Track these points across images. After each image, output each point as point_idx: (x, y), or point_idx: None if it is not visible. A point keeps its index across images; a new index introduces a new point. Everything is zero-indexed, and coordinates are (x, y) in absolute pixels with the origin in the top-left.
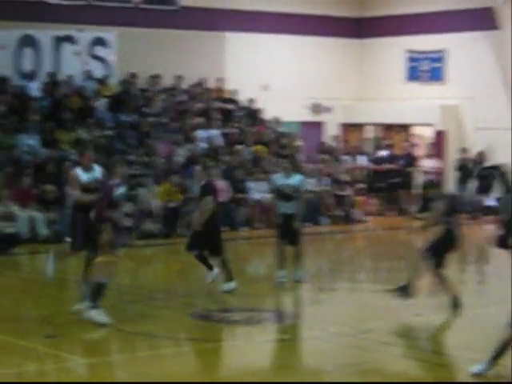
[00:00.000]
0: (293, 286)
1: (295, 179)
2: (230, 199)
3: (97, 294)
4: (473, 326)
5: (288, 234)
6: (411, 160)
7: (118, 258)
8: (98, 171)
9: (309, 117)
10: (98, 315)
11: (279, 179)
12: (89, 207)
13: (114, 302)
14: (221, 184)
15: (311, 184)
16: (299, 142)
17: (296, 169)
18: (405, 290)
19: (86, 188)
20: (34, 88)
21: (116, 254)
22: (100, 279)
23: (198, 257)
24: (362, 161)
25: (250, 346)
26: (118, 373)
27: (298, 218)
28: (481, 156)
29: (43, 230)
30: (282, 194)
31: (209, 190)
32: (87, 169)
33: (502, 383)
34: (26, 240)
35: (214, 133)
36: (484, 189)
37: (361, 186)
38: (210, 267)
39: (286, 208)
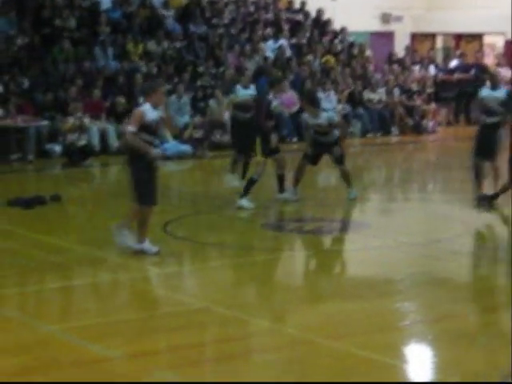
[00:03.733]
0: (359, 197)
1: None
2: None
3: (249, 186)
4: None
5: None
6: (482, 69)
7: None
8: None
9: (378, 27)
10: (246, 202)
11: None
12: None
13: (188, 212)
14: (290, 95)
15: (381, 94)
16: (368, 53)
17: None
18: (485, 200)
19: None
20: (105, 1)
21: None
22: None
23: None
24: (433, 71)
25: (321, 256)
26: (191, 282)
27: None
28: None
29: (114, 142)
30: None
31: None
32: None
33: (501, 383)
34: (98, 152)
35: (283, 43)
36: None
37: (431, 96)
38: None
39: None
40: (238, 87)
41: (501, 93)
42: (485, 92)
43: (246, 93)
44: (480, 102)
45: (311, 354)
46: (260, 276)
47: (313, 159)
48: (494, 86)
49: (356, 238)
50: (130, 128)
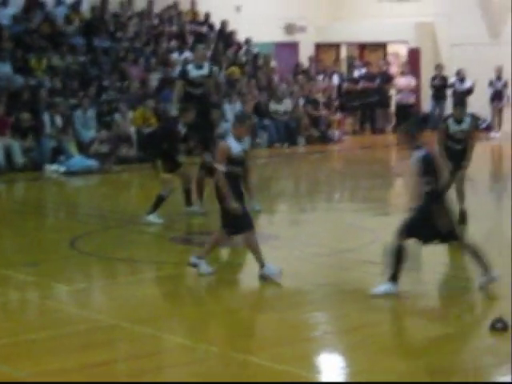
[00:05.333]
0: (266, 209)
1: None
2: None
3: (158, 203)
4: None
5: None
6: (387, 78)
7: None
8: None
9: (283, 37)
10: (153, 218)
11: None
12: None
13: (95, 227)
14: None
15: (287, 105)
16: (273, 63)
17: None
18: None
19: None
20: (6, 16)
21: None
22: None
23: None
24: (337, 80)
25: (229, 269)
26: (100, 298)
27: None
28: (459, 73)
29: (19, 159)
30: None
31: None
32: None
33: (500, 383)
34: (3, 169)
35: (188, 56)
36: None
37: (336, 105)
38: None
39: None
40: (191, 67)
41: (466, 124)
42: (452, 127)
43: (198, 73)
44: (449, 136)
45: (223, 367)
46: (170, 291)
47: (210, 170)
48: (460, 120)
49: (264, 249)
50: (220, 167)
